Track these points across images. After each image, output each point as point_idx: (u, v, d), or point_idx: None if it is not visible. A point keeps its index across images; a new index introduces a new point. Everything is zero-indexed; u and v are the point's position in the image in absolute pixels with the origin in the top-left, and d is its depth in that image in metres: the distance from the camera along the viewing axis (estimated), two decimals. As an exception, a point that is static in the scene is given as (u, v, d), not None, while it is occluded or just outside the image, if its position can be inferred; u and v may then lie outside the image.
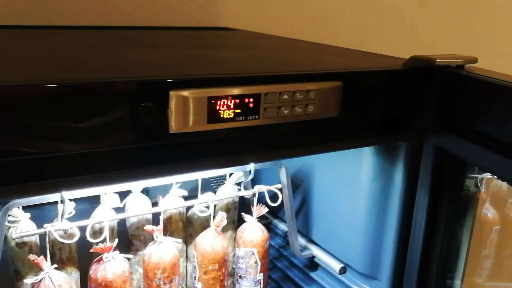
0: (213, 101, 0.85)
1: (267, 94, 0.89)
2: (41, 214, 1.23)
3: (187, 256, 1.54)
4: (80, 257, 1.32)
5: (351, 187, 1.32)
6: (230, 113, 0.87)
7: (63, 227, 1.12)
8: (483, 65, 1.06)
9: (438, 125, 1.10)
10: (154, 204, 1.39)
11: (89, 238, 1.14)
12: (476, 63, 1.07)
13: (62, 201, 1.11)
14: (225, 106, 0.86)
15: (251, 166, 1.33)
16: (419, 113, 1.12)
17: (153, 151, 0.86)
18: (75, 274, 1.32)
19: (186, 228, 1.49)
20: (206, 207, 1.43)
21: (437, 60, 1.05)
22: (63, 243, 1.27)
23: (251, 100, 0.88)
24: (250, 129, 0.91)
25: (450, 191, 1.20)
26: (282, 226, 1.62)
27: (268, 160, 1.25)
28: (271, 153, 1.01)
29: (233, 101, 0.86)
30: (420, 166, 1.20)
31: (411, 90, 1.10)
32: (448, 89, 1.06)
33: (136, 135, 0.81)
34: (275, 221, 1.65)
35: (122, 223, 1.36)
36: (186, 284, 1.55)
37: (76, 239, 1.13)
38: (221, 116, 0.86)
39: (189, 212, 1.50)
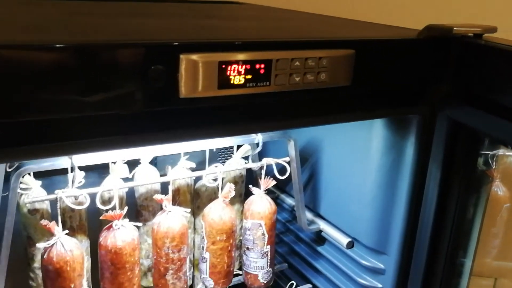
0: (223, 66, 0.84)
1: (278, 60, 0.88)
2: (51, 184, 1.24)
3: (194, 228, 1.55)
4: (89, 227, 1.34)
5: (361, 161, 1.31)
6: (241, 79, 0.86)
7: (73, 193, 1.12)
8: (502, 36, 1.03)
9: (453, 96, 1.08)
10: (163, 176, 1.39)
11: (99, 205, 1.15)
12: (495, 33, 1.05)
13: (72, 168, 1.11)
14: (235, 71, 0.85)
15: (259, 138, 1.33)
16: (433, 85, 1.10)
17: (163, 116, 0.85)
18: (85, 243, 1.33)
19: (194, 200, 1.49)
20: (213, 179, 1.44)
21: (454, 28, 1.03)
22: (73, 211, 1.28)
23: (262, 66, 0.87)
24: (261, 96, 0.90)
25: (462, 167, 1.19)
26: (289, 201, 1.62)
27: (278, 129, 1.24)
28: (281, 123, 1.00)
29: (243, 67, 0.85)
30: (432, 140, 1.18)
31: (426, 60, 1.08)
32: (465, 59, 1.04)
33: (146, 98, 0.81)
34: (282, 196, 1.65)
35: (130, 194, 1.37)
36: (193, 256, 1.56)
37: (86, 205, 1.14)
38: (232, 82, 0.85)
39: (197, 185, 1.50)
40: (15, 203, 1.08)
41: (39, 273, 1.30)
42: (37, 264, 1.30)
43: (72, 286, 1.12)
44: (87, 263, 1.31)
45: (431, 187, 1.20)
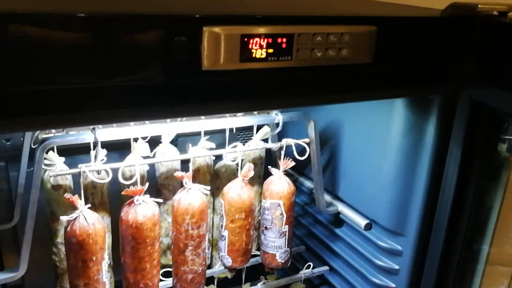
0: (245, 39, 0.84)
1: (300, 34, 0.88)
2: (74, 162, 1.26)
3: (214, 209, 1.56)
4: (111, 205, 1.36)
5: (381, 143, 1.31)
6: (263, 52, 0.86)
7: (96, 168, 1.14)
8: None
9: (476, 76, 1.07)
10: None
11: (121, 180, 1.17)
12: (522, 11, 1.03)
13: (94, 144, 1.13)
14: (257, 45, 0.85)
15: (279, 118, 1.34)
16: (456, 64, 1.09)
17: (185, 88, 0.86)
18: (107, 219, 1.36)
19: (214, 181, 1.51)
20: (233, 160, 1.45)
21: (479, 6, 1.01)
22: (95, 188, 1.30)
23: (284, 40, 0.87)
24: (282, 71, 0.91)
25: (483, 150, 1.18)
26: (308, 184, 1.62)
27: (298, 105, 1.24)
28: (302, 99, 1.01)
29: (265, 40, 0.86)
30: (453, 121, 1.17)
31: (449, 39, 1.07)
32: (489, 38, 1.03)
33: (168, 70, 0.82)
34: (301, 179, 1.65)
35: (151, 173, 1.38)
36: (212, 236, 1.58)
37: (108, 179, 1.16)
38: (253, 55, 0.86)
39: (217, 166, 1.52)
40: (40, 176, 1.11)
41: (61, 247, 1.33)
42: (60, 239, 1.33)
43: (94, 258, 1.14)
44: (108, 240, 1.34)
45: (450, 170, 1.19)
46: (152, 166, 1.37)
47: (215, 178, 1.52)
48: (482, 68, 1.06)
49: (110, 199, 1.36)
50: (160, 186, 1.44)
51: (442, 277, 1.28)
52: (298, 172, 1.66)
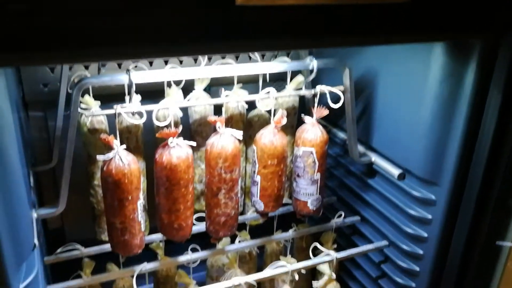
0: (281, -27, 0.82)
1: (337, -31, 0.86)
2: (109, 108, 1.28)
3: (246, 157, 1.58)
4: (145, 150, 1.39)
5: (417, 91, 1.28)
6: (298, -13, 0.84)
7: (131, 109, 1.16)
8: None
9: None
10: (215, 106, 1.42)
11: (155, 121, 1.18)
12: None
13: (129, 85, 1.14)
14: (293, -21, 0.84)
15: (314, 64, 1.32)
16: (500, 9, 1.04)
17: (217, 24, 0.85)
18: (141, 164, 1.39)
19: (246, 130, 1.51)
20: (267, 111, 1.45)
21: None
22: (130, 133, 1.33)
23: (321, -25, 0.85)
24: (318, 9, 0.89)
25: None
26: (341, 135, 1.61)
27: (333, 45, 1.21)
28: (337, 38, 0.98)
29: (301, -25, 0.84)
30: (494, 69, 1.13)
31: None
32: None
33: (203, 4, 0.81)
34: (334, 130, 1.64)
35: (185, 121, 1.40)
36: (245, 184, 1.60)
37: (143, 120, 1.18)
38: (289, -10, 0.84)
39: (250, 115, 1.52)
40: (77, 116, 1.14)
41: (98, 190, 1.38)
42: (97, 181, 1.38)
43: (130, 198, 1.18)
44: (143, 184, 1.37)
45: (489, 118, 1.16)
46: (185, 113, 1.39)
47: (248, 127, 1.52)
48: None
49: (145, 147, 1.39)
50: (193, 133, 1.45)
51: (475, 226, 1.27)
52: (331, 123, 1.65)
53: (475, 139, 1.20)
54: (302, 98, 1.55)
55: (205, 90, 1.42)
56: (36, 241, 1.03)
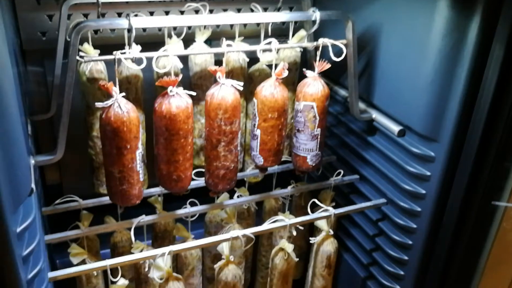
0: None
1: None
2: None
3: (246, 113, 1.57)
4: (145, 105, 1.38)
5: (420, 45, 1.26)
6: None
7: (130, 55, 1.15)
8: None
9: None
10: (216, 61, 1.40)
11: (155, 68, 1.17)
12: None
13: (129, 30, 1.12)
14: None
15: (317, 16, 1.30)
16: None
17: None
18: (141, 116, 1.38)
19: (247, 85, 1.50)
20: (268, 66, 1.43)
21: None
22: (130, 83, 1.32)
23: None
24: None
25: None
26: (342, 92, 1.60)
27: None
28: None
29: None
30: (498, 22, 1.11)
31: None
32: None
33: None
34: (336, 88, 1.63)
35: (185, 75, 1.38)
36: (244, 141, 1.59)
37: (142, 66, 1.16)
38: None
39: (251, 69, 1.51)
40: (75, 60, 1.12)
41: (97, 141, 1.37)
42: (95, 132, 1.37)
43: (128, 147, 1.17)
44: (142, 137, 1.36)
45: (491, 73, 1.15)
46: (185, 65, 1.37)
47: (249, 82, 1.51)
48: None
49: (144, 103, 1.38)
50: (193, 86, 1.44)
51: (472, 185, 1.27)
52: (333, 80, 1.64)
53: (476, 96, 1.20)
54: (304, 55, 1.53)
55: (206, 43, 1.40)
56: (33, 186, 1.03)
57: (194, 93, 1.22)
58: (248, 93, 1.52)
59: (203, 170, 1.40)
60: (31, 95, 1.47)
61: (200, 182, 1.44)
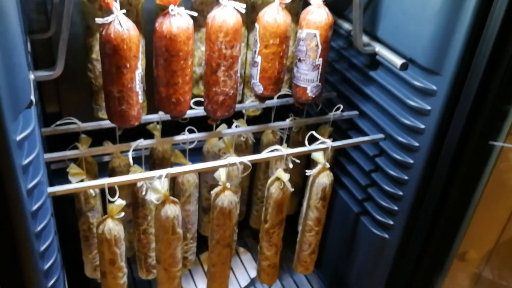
0: None
1: None
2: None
3: (247, 44, 1.55)
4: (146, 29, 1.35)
5: (429, -26, 1.23)
6: None
7: (130, -31, 1.12)
8: None
9: None
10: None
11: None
12: None
13: None
14: None
15: None
16: None
17: None
18: (141, 41, 1.35)
19: (249, 14, 1.47)
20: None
21: None
22: (130, 5, 1.30)
23: None
24: None
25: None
26: (346, 26, 1.57)
27: None
28: None
29: None
30: None
31: None
32: None
33: None
34: (339, 21, 1.60)
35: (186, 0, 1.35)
36: (244, 72, 1.58)
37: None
38: None
39: (255, -5, 1.47)
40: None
41: (97, 64, 1.36)
42: (95, 55, 1.35)
43: (128, 66, 1.16)
44: (142, 62, 1.35)
45: (499, 3, 1.12)
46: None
47: (252, 10, 1.48)
48: None
49: (145, 23, 1.36)
50: (195, 11, 1.40)
51: (471, 122, 1.27)
52: (337, 13, 1.60)
53: (483, 28, 1.17)
54: (308, -15, 1.49)
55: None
56: (32, 98, 1.02)
57: (195, 13, 1.20)
58: (249, 23, 1.49)
59: (202, 99, 1.39)
60: (30, 14, 1.44)
61: (199, 111, 1.44)
